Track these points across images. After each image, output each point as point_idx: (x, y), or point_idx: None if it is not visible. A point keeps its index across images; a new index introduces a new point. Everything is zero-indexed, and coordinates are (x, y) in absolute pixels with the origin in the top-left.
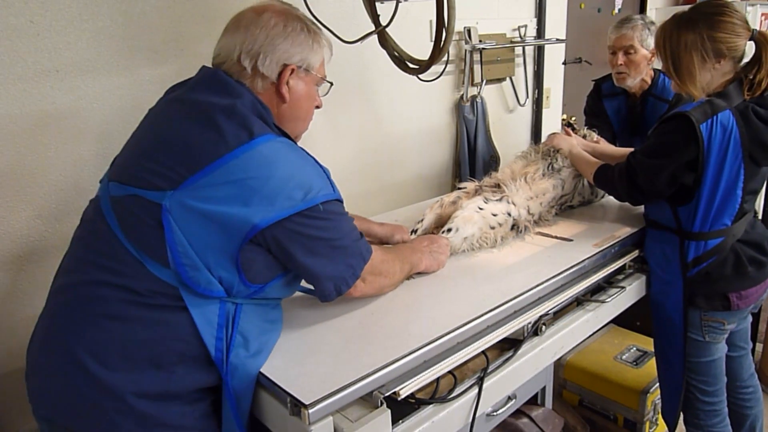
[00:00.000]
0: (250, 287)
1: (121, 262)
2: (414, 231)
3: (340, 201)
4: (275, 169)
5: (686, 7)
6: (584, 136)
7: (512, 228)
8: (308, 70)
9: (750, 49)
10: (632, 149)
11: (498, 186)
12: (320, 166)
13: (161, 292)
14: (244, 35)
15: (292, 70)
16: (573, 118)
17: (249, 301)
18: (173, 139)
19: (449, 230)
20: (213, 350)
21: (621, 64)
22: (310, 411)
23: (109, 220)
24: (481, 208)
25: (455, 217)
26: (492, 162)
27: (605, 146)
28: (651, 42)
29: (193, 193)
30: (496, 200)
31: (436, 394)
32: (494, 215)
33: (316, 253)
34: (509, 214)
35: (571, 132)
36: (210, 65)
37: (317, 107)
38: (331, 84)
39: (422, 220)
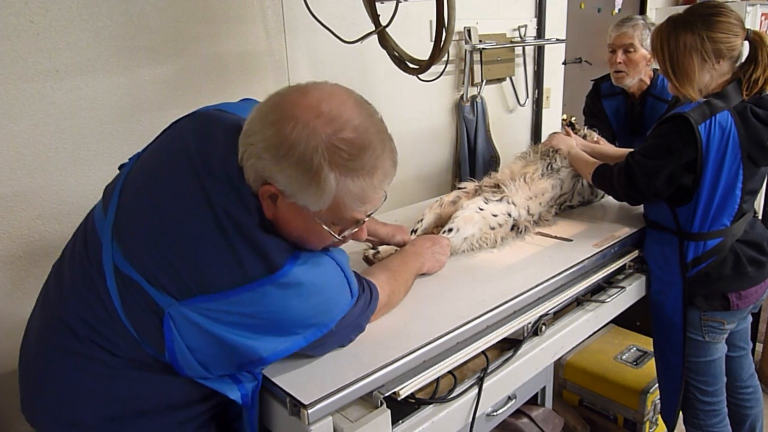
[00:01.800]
0: (255, 374)
1: (120, 337)
2: (414, 231)
3: (356, 298)
4: (292, 307)
5: (681, 9)
6: (584, 136)
7: (512, 228)
8: (301, 206)
9: (746, 49)
10: (631, 150)
11: (497, 186)
12: (338, 264)
13: (161, 364)
14: (255, 118)
15: (275, 194)
16: (573, 118)
17: None
18: (186, 245)
19: (450, 230)
20: (240, 401)
21: (620, 63)
22: (310, 411)
23: (110, 289)
24: (481, 209)
25: (456, 218)
26: (492, 162)
27: (605, 146)
28: None
29: (200, 311)
30: (497, 201)
31: (436, 394)
32: (494, 216)
33: (326, 346)
34: (509, 215)
35: (570, 132)
36: (209, 63)
37: (355, 238)
38: (359, 222)
39: (422, 220)
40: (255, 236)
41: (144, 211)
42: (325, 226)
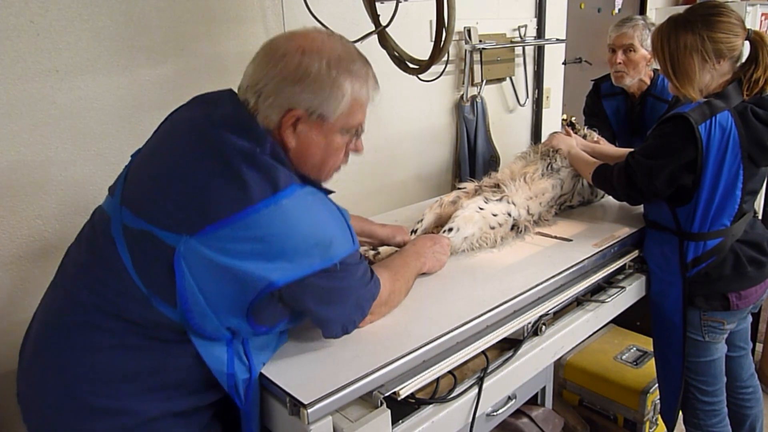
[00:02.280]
0: (257, 330)
1: (129, 297)
2: (414, 231)
3: (357, 249)
4: (296, 227)
5: (681, 9)
6: (584, 136)
7: (512, 228)
8: (322, 117)
9: (746, 49)
10: (632, 150)
11: (498, 186)
12: (340, 212)
13: (167, 327)
14: (258, 68)
15: (298, 117)
16: (573, 118)
17: (256, 337)
18: (192, 181)
19: (450, 230)
20: (225, 386)
21: (620, 63)
22: (309, 411)
23: (120, 250)
24: (481, 208)
25: (456, 217)
26: (492, 162)
27: (605, 146)
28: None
29: (209, 243)
30: (496, 200)
31: (436, 394)
32: (494, 215)
33: (328, 303)
34: (509, 215)
35: (570, 132)
36: (209, 63)
37: (355, 152)
38: (360, 130)
39: (422, 220)
40: (263, 162)
41: (148, 172)
42: (339, 135)
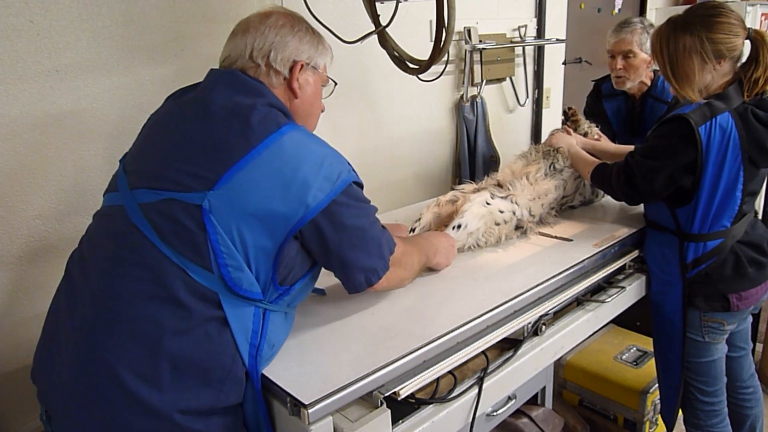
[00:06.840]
0: (278, 289)
1: (162, 272)
2: (412, 230)
3: (362, 186)
4: (307, 153)
5: (681, 9)
6: (585, 134)
7: (516, 228)
8: (315, 68)
9: (747, 49)
10: (632, 147)
11: (500, 186)
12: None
13: (203, 298)
14: (254, 35)
15: (302, 66)
16: (571, 110)
17: (275, 308)
18: (202, 138)
19: (458, 227)
20: (246, 357)
21: (620, 68)
22: (310, 411)
23: (143, 229)
24: (488, 203)
25: (464, 212)
26: (492, 162)
27: (606, 144)
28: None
29: (231, 190)
30: (501, 197)
31: (436, 394)
32: (501, 212)
33: (351, 244)
34: (514, 213)
35: (570, 131)
36: (209, 63)
37: (321, 110)
38: (336, 84)
39: (419, 219)
40: (265, 110)
41: (155, 151)
42: (321, 85)
